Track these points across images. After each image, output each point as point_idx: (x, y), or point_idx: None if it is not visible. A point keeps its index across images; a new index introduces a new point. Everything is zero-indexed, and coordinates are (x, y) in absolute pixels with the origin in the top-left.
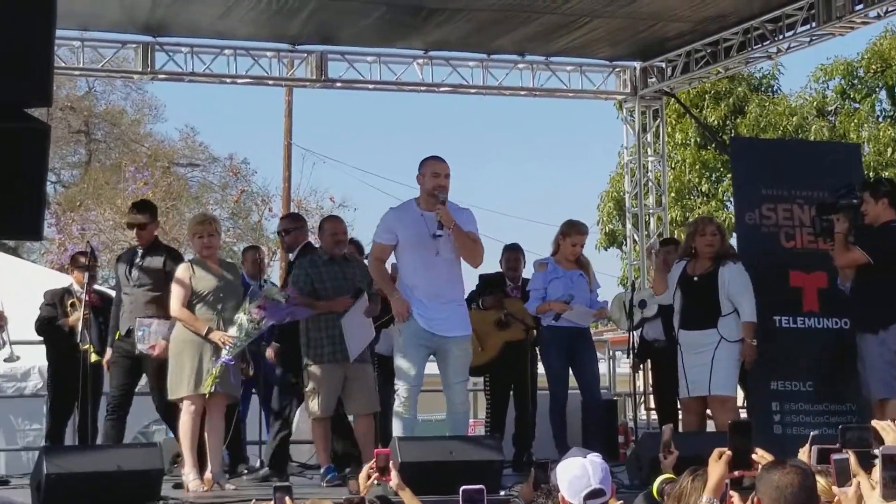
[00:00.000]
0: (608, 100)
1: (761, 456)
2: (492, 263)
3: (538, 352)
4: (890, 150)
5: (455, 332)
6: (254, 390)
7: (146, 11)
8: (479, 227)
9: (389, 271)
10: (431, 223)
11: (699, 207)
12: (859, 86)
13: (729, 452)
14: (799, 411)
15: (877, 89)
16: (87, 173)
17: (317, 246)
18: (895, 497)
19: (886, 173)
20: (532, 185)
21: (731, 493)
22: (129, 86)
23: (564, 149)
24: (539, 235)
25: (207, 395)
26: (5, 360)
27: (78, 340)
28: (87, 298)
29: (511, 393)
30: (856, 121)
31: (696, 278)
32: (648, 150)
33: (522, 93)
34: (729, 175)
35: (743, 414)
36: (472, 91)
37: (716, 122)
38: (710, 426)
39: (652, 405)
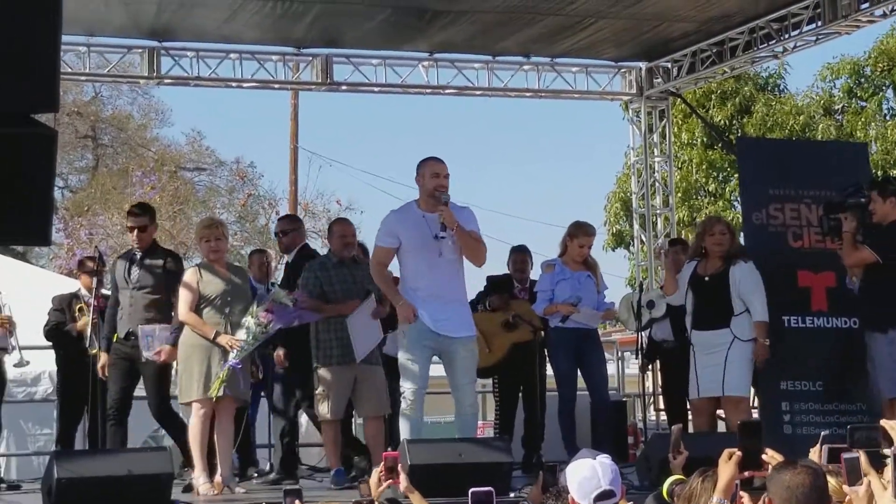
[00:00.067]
0: (614, 101)
1: (771, 456)
2: (499, 265)
3: (546, 353)
4: None
5: (461, 332)
6: (263, 393)
7: (151, 16)
8: (487, 228)
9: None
10: (433, 224)
11: (706, 207)
12: (866, 84)
13: (739, 453)
14: (809, 411)
15: (884, 88)
16: (94, 178)
17: (312, 247)
18: None
19: (894, 172)
20: (539, 186)
21: (741, 493)
22: (136, 90)
23: (571, 150)
24: (546, 237)
25: (215, 399)
26: (15, 366)
27: (87, 345)
28: (95, 303)
29: (520, 395)
30: (863, 119)
31: (707, 278)
32: (655, 150)
33: (528, 94)
34: (736, 175)
35: (755, 415)
36: (478, 93)
37: (722, 121)
38: (721, 427)
39: (661, 406)
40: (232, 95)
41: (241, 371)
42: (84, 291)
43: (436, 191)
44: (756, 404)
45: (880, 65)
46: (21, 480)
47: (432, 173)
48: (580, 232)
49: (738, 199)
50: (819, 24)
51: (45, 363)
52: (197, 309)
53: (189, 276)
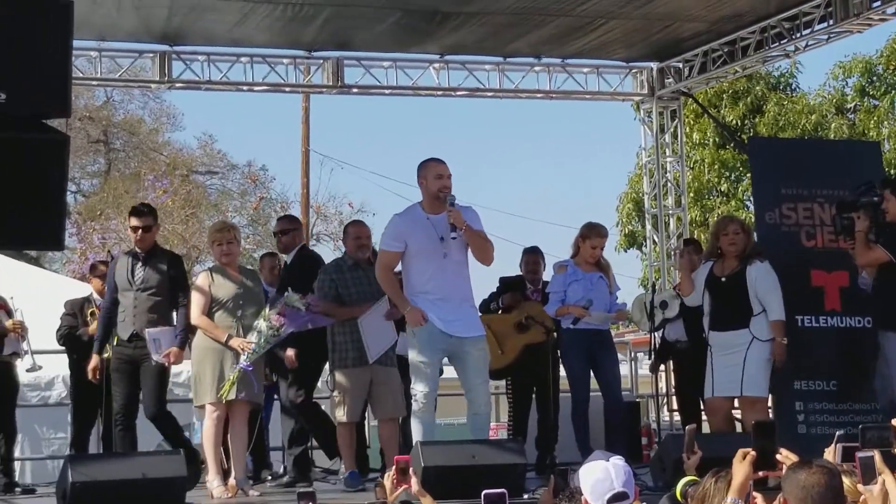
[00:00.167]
0: (625, 101)
1: (786, 456)
2: (512, 266)
3: (559, 354)
4: None
5: (471, 332)
6: (276, 396)
7: (163, 21)
8: (499, 230)
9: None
10: (438, 226)
11: (719, 207)
12: (878, 83)
13: (753, 453)
14: (823, 411)
15: None
16: (106, 182)
17: (312, 248)
18: None
19: None
20: (550, 187)
21: (755, 494)
22: (147, 95)
23: (582, 151)
24: (558, 238)
25: (225, 401)
26: (28, 371)
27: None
28: None
29: (533, 396)
30: (875, 118)
31: (723, 279)
32: (667, 150)
33: (539, 95)
34: (748, 174)
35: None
36: (489, 95)
37: (734, 121)
38: (738, 427)
39: (675, 406)
40: (243, 99)
41: (253, 374)
42: (96, 296)
43: (440, 192)
44: (771, 404)
45: (893, 63)
46: (36, 484)
47: (436, 175)
48: (592, 233)
49: (751, 198)
50: (831, 22)
51: (58, 367)
52: (209, 312)
53: (201, 279)
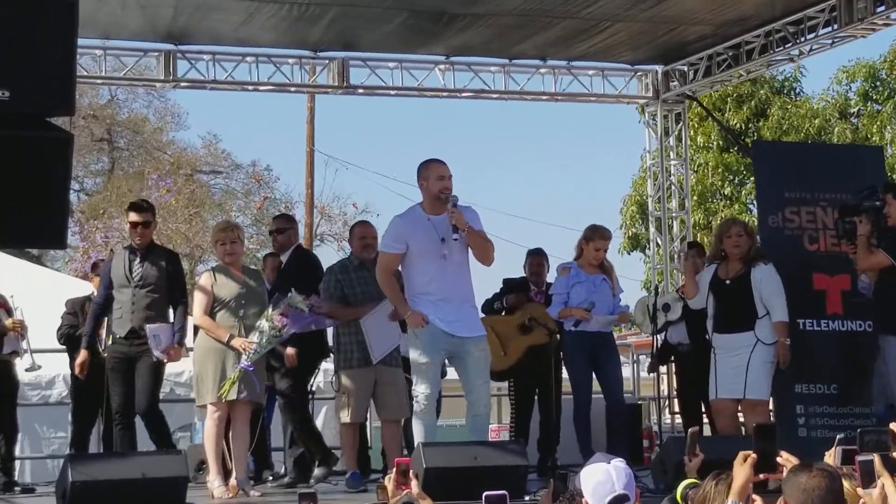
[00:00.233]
0: (630, 104)
1: (786, 459)
2: (515, 268)
3: (562, 356)
4: None
5: (473, 332)
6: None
7: (168, 20)
8: (503, 232)
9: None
10: (439, 227)
11: (722, 211)
12: (881, 87)
13: (754, 455)
14: (823, 414)
15: None
16: (110, 181)
17: (316, 248)
18: None
19: None
20: (555, 189)
21: (754, 497)
22: (152, 94)
23: (587, 153)
24: (562, 240)
25: (227, 401)
26: (27, 370)
27: (100, 348)
28: None
29: (535, 398)
30: (878, 123)
31: (728, 281)
32: (671, 153)
33: (544, 97)
34: (752, 178)
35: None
36: (494, 96)
37: (738, 125)
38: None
39: (676, 409)
40: (248, 98)
41: (254, 374)
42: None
43: (441, 193)
44: (772, 407)
45: None
46: (35, 484)
47: (437, 176)
48: (596, 235)
49: (754, 202)
50: (835, 27)
51: (59, 367)
52: (211, 312)
53: (204, 279)
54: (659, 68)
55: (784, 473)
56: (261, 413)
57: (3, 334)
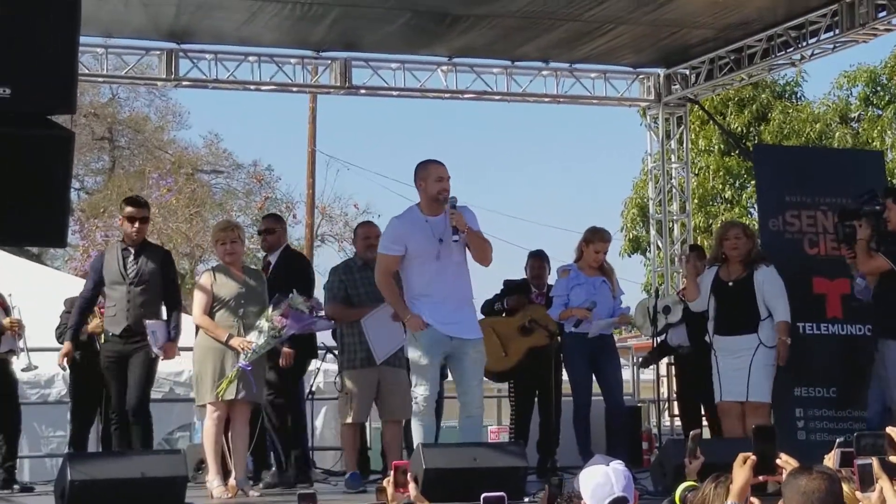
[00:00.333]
0: (632, 107)
1: (785, 461)
2: (516, 269)
3: (562, 358)
4: None
5: (472, 334)
6: None
7: (170, 18)
8: (505, 234)
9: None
10: (436, 228)
11: (723, 214)
12: (882, 92)
13: (753, 457)
14: (823, 417)
15: None
16: (110, 180)
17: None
18: None
19: None
20: (556, 191)
21: (752, 500)
22: (153, 92)
23: (588, 155)
24: (564, 242)
25: (226, 401)
26: (23, 370)
27: (98, 347)
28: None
29: (535, 399)
30: (879, 127)
31: (730, 283)
32: (672, 156)
33: (546, 100)
34: (752, 182)
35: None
36: (496, 98)
37: (739, 128)
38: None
39: (676, 412)
40: (250, 98)
41: (252, 373)
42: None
43: (440, 195)
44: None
45: None
46: (34, 482)
47: (436, 177)
48: (596, 237)
49: (755, 205)
50: (836, 32)
51: (58, 365)
52: (211, 311)
53: (203, 279)
54: (661, 71)
55: (783, 476)
56: (260, 413)
57: (0, 333)
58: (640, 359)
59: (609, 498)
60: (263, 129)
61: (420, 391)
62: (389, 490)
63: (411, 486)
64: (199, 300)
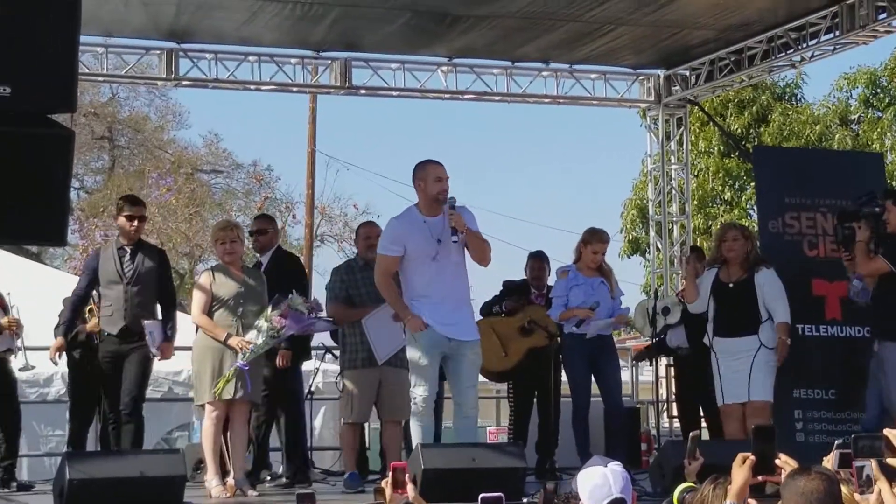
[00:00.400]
0: (632, 108)
1: (784, 462)
2: (516, 270)
3: (561, 359)
4: None
5: (470, 335)
6: None
7: (170, 18)
8: (505, 234)
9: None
10: (435, 229)
11: (722, 215)
12: (882, 94)
13: (753, 457)
14: (822, 419)
15: None
16: (110, 179)
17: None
18: None
19: None
20: (556, 192)
21: (750, 501)
22: (153, 92)
23: (588, 156)
24: (564, 243)
25: (225, 400)
26: (20, 370)
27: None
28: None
29: (534, 400)
30: (879, 129)
31: (731, 285)
32: (672, 157)
33: (546, 100)
34: (752, 183)
35: None
36: (496, 98)
37: (739, 130)
38: None
39: (675, 413)
40: (250, 98)
41: (249, 373)
42: (95, 293)
43: (439, 195)
44: None
45: None
46: (33, 481)
47: (435, 178)
48: (594, 238)
49: (755, 207)
50: (837, 33)
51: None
52: (210, 311)
53: (203, 278)
54: (661, 72)
55: (782, 477)
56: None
57: None
58: (635, 355)
59: (607, 499)
60: (263, 129)
61: (419, 392)
62: (388, 490)
63: (409, 487)
64: (198, 299)
